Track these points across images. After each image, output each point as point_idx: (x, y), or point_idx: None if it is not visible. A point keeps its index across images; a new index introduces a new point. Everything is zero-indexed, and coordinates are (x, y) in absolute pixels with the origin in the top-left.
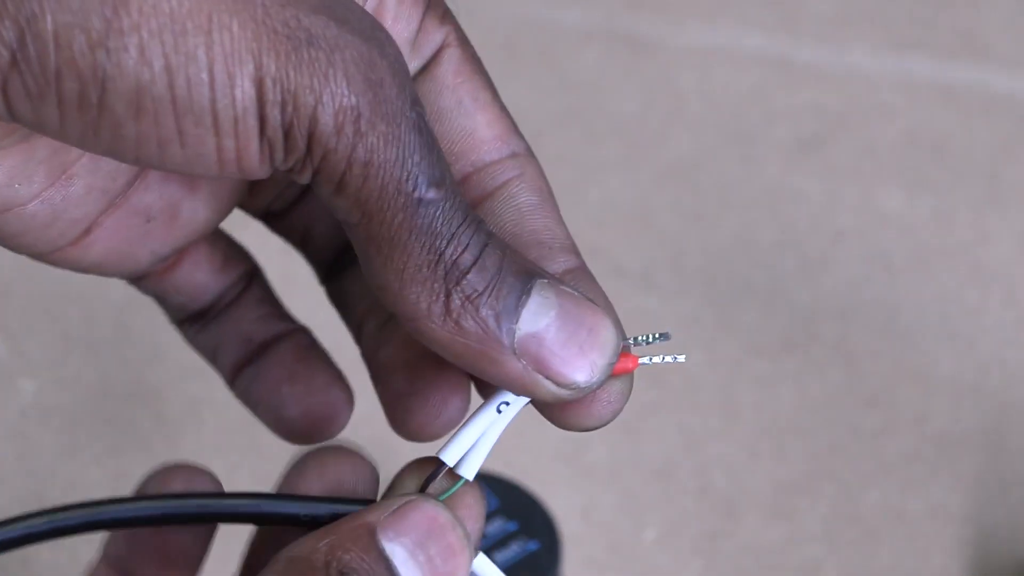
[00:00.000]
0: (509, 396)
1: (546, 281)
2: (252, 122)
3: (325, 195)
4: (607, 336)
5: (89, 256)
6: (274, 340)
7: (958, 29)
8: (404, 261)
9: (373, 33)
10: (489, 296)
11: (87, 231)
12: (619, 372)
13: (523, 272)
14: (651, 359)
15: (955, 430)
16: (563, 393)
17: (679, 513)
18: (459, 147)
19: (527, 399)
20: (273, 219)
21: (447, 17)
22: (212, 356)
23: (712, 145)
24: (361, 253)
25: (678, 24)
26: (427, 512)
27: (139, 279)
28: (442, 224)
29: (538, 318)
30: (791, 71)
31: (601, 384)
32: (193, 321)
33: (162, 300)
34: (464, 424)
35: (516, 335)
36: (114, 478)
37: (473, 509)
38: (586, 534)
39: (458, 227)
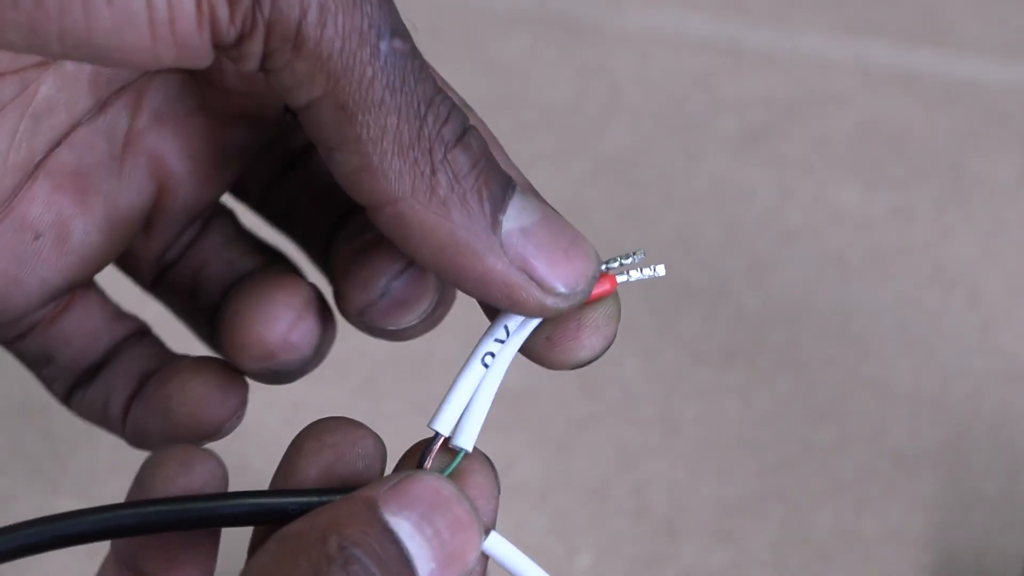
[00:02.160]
0: (492, 345)
1: (522, 188)
2: None
3: (281, 64)
4: (589, 247)
5: None
6: (156, 383)
7: (919, 11)
8: (382, 126)
9: None
10: (477, 179)
11: None
12: (599, 295)
13: (502, 170)
14: (629, 276)
15: (914, 446)
16: (548, 301)
17: (615, 536)
18: None
19: (514, 347)
20: (167, 270)
21: None
22: (103, 410)
23: (652, 137)
24: (331, 141)
25: (615, 6)
26: (429, 484)
27: (24, 335)
28: (416, 82)
29: (524, 215)
30: (738, 57)
31: (586, 297)
32: (81, 384)
33: (49, 360)
34: (451, 387)
35: (503, 227)
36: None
37: (484, 488)
38: None
39: (434, 92)
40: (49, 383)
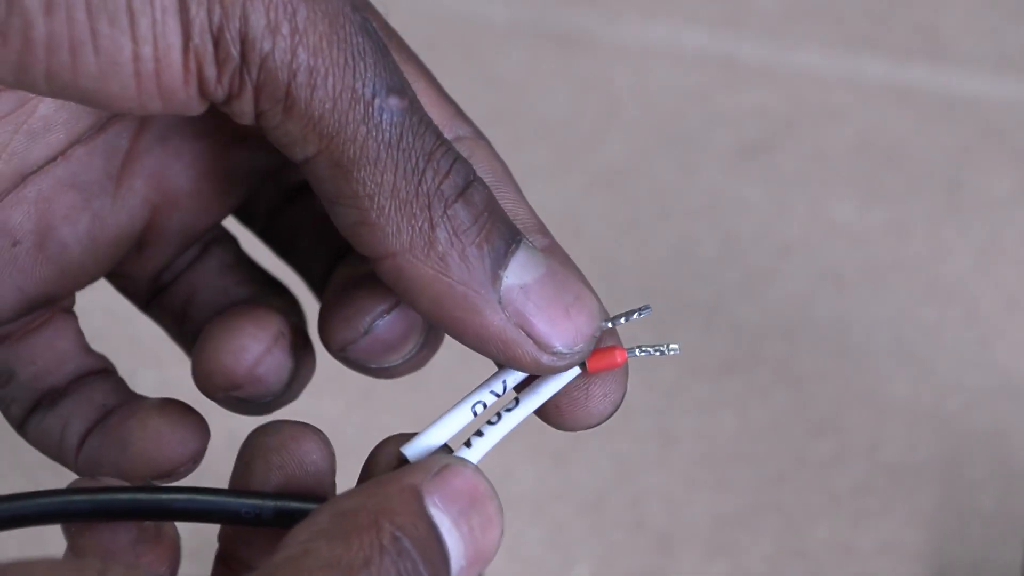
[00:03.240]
0: (487, 396)
1: (531, 241)
2: (172, 23)
3: (274, 124)
4: (593, 305)
5: None
6: (123, 404)
7: (915, 26)
8: (378, 183)
9: None
10: (478, 235)
11: None
12: (608, 367)
13: (510, 222)
14: (639, 351)
15: (910, 460)
16: (544, 359)
17: (611, 549)
18: None
19: (509, 400)
20: (161, 292)
21: (369, 6)
22: (59, 438)
23: (649, 150)
24: (329, 195)
25: (613, 20)
26: (469, 479)
27: None
28: (414, 138)
29: (526, 271)
30: (734, 71)
31: (584, 356)
32: (38, 408)
33: (11, 377)
34: (434, 423)
35: (503, 283)
36: None
37: None
38: (511, 571)
39: (433, 146)
40: (6, 405)
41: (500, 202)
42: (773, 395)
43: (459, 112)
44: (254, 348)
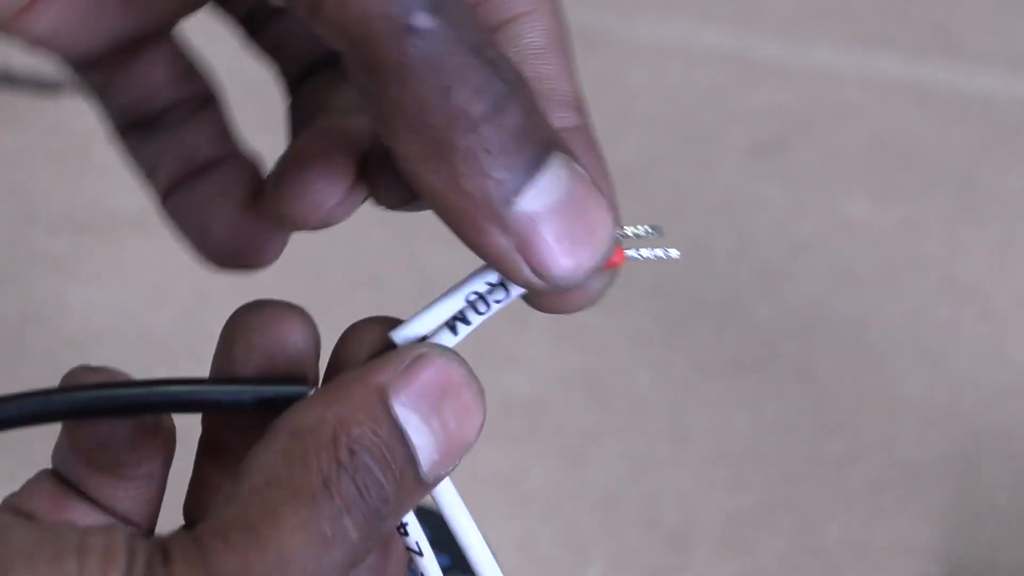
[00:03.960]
0: (479, 285)
1: (563, 157)
2: None
3: (303, 19)
4: (604, 234)
5: (38, 26)
6: (218, 161)
7: (930, 24)
8: (402, 99)
9: None
10: (498, 158)
11: (34, 1)
12: (606, 266)
13: (542, 140)
14: (640, 253)
15: (925, 458)
16: (538, 283)
17: (625, 547)
18: None
19: (498, 301)
20: (248, 23)
21: None
22: (150, 170)
23: (664, 148)
24: (353, 79)
25: (628, 18)
26: (441, 369)
27: (90, 68)
28: (444, 59)
29: (541, 198)
30: (750, 69)
31: (580, 286)
32: (136, 129)
33: (110, 98)
34: (425, 308)
35: (513, 210)
36: None
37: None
38: (524, 569)
39: (466, 65)
40: (107, 113)
41: (540, 69)
42: (787, 393)
43: None
44: (329, 200)
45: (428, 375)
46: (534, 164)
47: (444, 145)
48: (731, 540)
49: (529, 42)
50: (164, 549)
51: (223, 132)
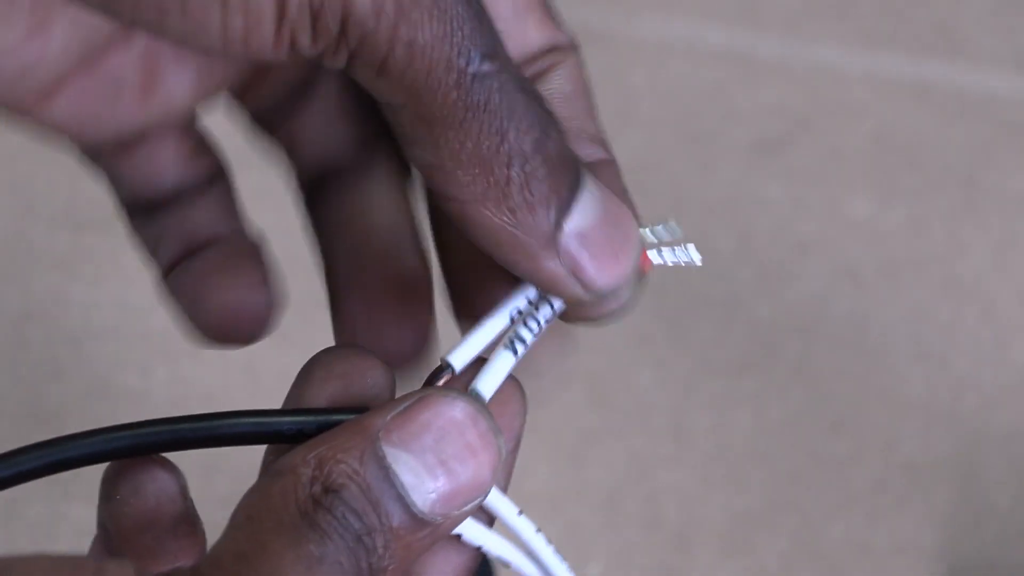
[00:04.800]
0: (520, 301)
1: (591, 176)
2: (271, 9)
3: (363, 78)
4: (636, 241)
5: (52, 116)
6: (220, 239)
7: (933, 24)
8: (461, 142)
9: None
10: (550, 188)
11: (55, 89)
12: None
13: (575, 163)
14: (663, 257)
15: (927, 458)
16: (587, 298)
17: (626, 547)
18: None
19: (547, 317)
20: (264, 119)
21: None
22: (153, 248)
23: (665, 147)
24: (405, 133)
25: (630, 15)
26: (440, 409)
27: (100, 153)
28: (500, 100)
29: (586, 217)
30: (752, 67)
31: (623, 297)
32: (142, 209)
33: (116, 179)
34: (473, 329)
35: (563, 232)
36: (6, 505)
37: (509, 406)
38: None
39: (518, 103)
40: (114, 194)
41: (565, 110)
42: (789, 393)
43: (550, 16)
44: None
45: (426, 416)
46: (575, 187)
47: (502, 182)
48: (732, 540)
49: (556, 87)
50: None
51: (228, 209)
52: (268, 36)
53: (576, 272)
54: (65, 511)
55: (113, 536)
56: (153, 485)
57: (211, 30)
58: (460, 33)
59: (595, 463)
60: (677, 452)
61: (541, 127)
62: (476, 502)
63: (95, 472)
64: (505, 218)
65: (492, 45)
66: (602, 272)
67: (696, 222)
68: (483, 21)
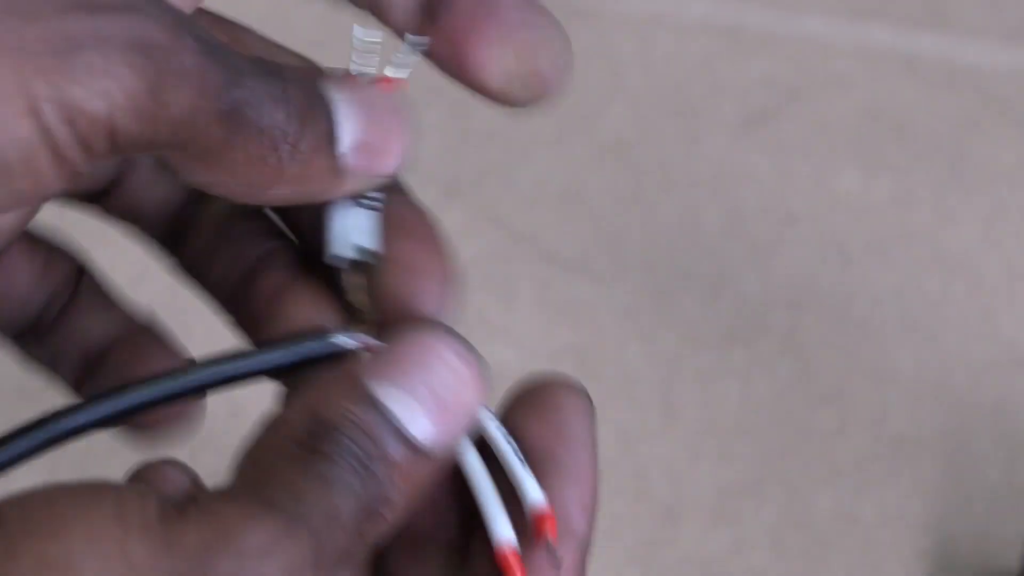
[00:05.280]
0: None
1: (331, 84)
2: (44, 155)
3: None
4: (400, 109)
5: None
6: (115, 343)
7: None
8: (232, 158)
9: (130, 3)
10: (308, 134)
11: None
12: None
13: (315, 88)
14: (398, 72)
15: (915, 432)
16: (386, 181)
17: (614, 519)
18: None
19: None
20: (98, 199)
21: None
22: (52, 368)
23: (653, 120)
24: (178, 169)
25: None
26: (419, 340)
27: None
28: (250, 102)
29: (351, 126)
30: (739, 40)
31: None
32: (25, 337)
33: None
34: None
35: (342, 158)
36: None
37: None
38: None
39: (258, 87)
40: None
41: (253, 53)
42: (777, 366)
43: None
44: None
45: (406, 349)
46: (328, 111)
47: (277, 162)
48: (720, 512)
49: None
50: (182, 503)
51: (108, 310)
52: (56, 179)
53: (372, 170)
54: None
55: None
56: (166, 485)
57: (6, 197)
58: (210, 81)
59: None
60: (665, 425)
61: (278, 86)
62: (466, 427)
63: (82, 447)
64: (291, 188)
65: (231, 70)
66: (388, 162)
67: (683, 195)
68: (215, 54)
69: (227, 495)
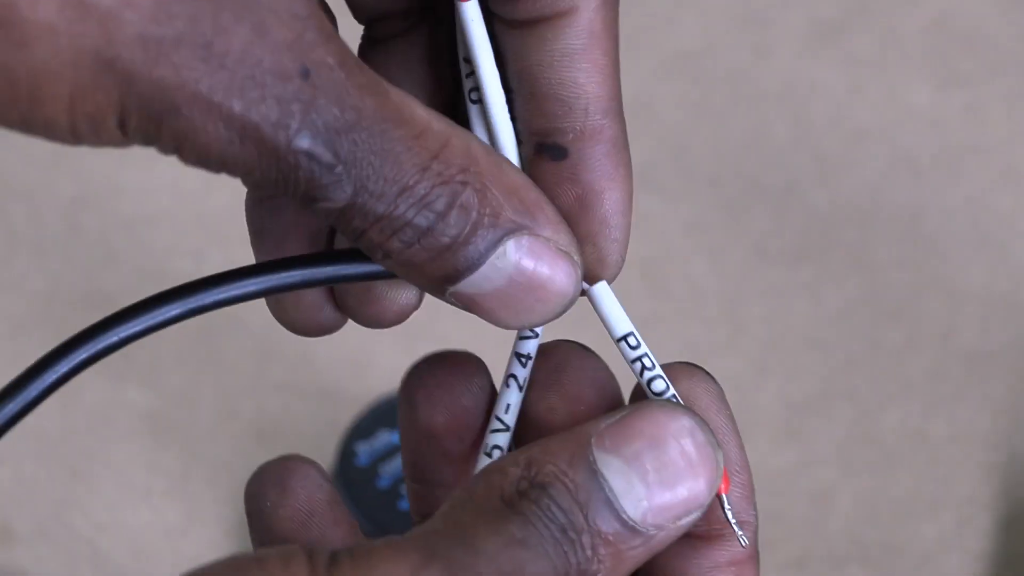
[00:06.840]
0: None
1: (514, 241)
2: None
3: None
4: (555, 302)
5: None
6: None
7: None
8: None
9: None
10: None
11: None
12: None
13: (494, 228)
14: None
15: (984, 346)
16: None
17: None
18: None
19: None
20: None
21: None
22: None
23: (721, 31)
24: (338, 227)
25: None
26: (656, 418)
27: None
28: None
29: (484, 282)
30: None
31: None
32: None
33: None
34: None
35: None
36: (60, 392)
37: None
38: None
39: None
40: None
41: (565, 74)
42: (846, 281)
43: None
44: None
45: (641, 425)
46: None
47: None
48: (788, 428)
49: (562, 46)
50: (335, 553)
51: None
52: (116, 137)
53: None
54: (121, 396)
55: (278, 543)
56: (298, 480)
57: (59, 129)
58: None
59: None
60: (732, 340)
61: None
62: (693, 516)
63: (148, 355)
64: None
65: (333, 120)
66: (503, 319)
67: (751, 109)
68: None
69: (393, 544)
